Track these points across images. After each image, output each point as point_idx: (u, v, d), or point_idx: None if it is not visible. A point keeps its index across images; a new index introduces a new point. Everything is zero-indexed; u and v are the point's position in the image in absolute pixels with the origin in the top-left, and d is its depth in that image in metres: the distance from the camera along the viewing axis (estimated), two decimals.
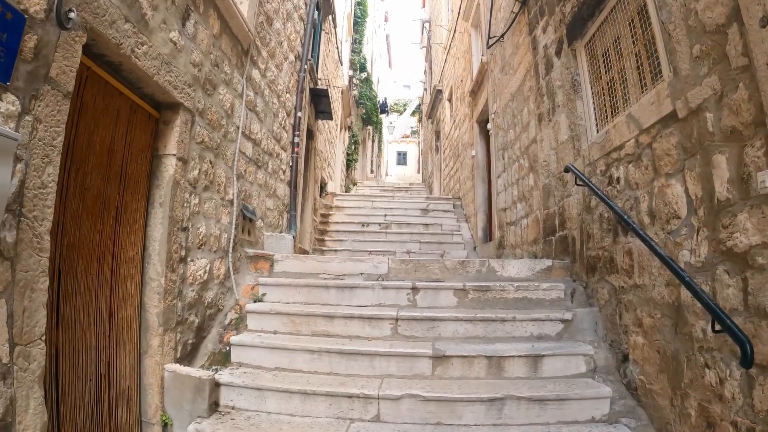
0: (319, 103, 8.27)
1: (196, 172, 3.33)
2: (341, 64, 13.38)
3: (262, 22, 4.69)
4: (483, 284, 3.94)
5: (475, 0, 8.37)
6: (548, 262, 4.33)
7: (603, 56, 3.87)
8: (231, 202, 3.96)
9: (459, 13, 10.27)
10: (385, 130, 31.19)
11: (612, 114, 3.74)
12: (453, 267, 4.25)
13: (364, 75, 19.18)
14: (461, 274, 4.25)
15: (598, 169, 3.74)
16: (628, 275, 3.19)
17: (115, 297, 2.71)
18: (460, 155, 10.69)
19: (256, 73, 4.56)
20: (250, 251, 4.32)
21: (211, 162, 3.56)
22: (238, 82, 4.05)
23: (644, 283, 2.99)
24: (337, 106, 12.43)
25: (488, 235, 8.44)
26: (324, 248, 8.69)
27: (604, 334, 3.54)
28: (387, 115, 28.43)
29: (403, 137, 34.87)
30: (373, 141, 25.34)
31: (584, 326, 3.63)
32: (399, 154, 40.42)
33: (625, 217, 3.00)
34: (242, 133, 4.16)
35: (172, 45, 2.88)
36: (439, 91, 14.11)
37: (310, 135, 8.40)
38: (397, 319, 3.57)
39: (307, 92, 7.18)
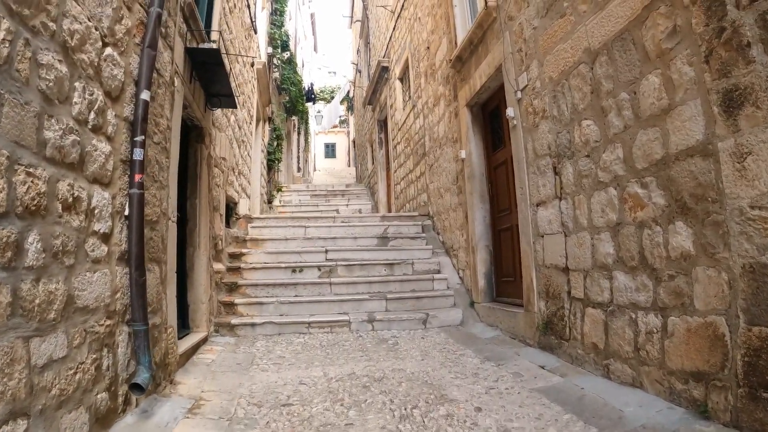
0: (212, 79, 4.76)
1: None
2: (255, 33, 9.69)
3: None
4: None
5: None
6: None
7: None
8: None
9: None
10: (312, 120, 27.47)
11: None
12: None
13: (287, 55, 15.36)
14: None
15: None
16: None
17: None
18: (429, 154, 7.60)
19: None
20: None
21: None
22: None
23: None
24: (251, 90, 8.84)
25: (494, 287, 5.43)
26: (234, 321, 5.25)
27: None
28: (314, 104, 24.67)
29: (332, 128, 31.12)
30: (299, 134, 21.62)
31: None
32: (327, 146, 36.92)
33: None
34: None
35: None
36: (385, 69, 10.89)
37: (199, 136, 4.91)
38: None
39: (178, 52, 3.70)
